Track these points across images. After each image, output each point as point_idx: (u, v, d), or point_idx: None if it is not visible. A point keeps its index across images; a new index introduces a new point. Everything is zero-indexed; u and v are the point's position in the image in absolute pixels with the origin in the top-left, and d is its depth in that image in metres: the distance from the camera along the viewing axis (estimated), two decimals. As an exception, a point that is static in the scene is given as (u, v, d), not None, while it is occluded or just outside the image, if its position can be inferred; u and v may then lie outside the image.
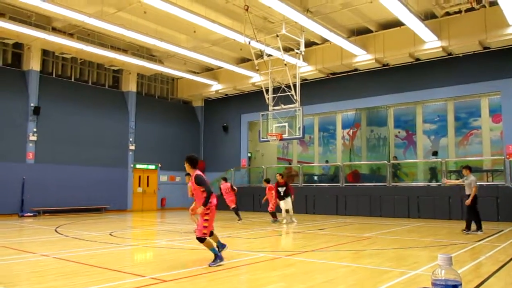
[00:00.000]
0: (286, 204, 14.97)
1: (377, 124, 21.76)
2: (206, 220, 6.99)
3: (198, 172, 7.22)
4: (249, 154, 25.82)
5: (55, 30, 18.76)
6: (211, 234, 7.25)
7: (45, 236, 11.51)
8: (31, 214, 18.32)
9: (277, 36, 16.22)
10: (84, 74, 22.74)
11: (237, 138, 25.90)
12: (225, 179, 16.45)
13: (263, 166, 23.88)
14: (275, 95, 17.80)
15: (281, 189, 14.98)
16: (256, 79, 22.34)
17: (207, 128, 27.82)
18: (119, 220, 16.57)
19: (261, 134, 18.51)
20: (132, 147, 23.61)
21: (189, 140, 26.98)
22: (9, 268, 7.00)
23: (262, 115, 18.40)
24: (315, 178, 23.21)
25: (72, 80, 22.09)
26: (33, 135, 19.41)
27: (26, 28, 16.90)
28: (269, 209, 15.62)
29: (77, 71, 22.43)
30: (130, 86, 24.09)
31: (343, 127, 23.09)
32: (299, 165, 22.90)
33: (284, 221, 15.11)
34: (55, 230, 12.76)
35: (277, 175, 15.58)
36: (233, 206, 15.80)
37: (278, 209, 15.34)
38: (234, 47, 20.43)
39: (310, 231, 12.91)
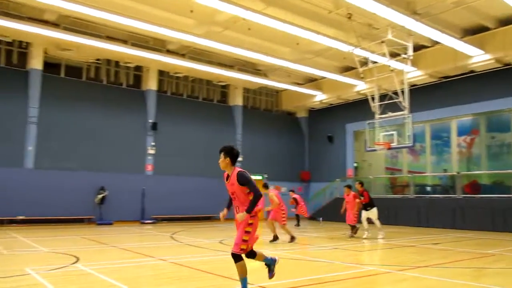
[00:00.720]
0: (369, 214, 13.75)
1: (499, 130, 19.75)
2: (248, 232, 5.39)
3: (240, 169, 5.54)
4: (355, 164, 25.16)
5: (169, 52, 20.37)
6: (251, 253, 5.61)
7: (162, 242, 12.41)
8: (151, 221, 19.92)
9: (383, 42, 15.68)
10: (195, 91, 24.31)
11: (342, 148, 25.43)
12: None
13: (370, 176, 23.09)
14: (382, 102, 17.17)
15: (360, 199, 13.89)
16: (361, 87, 21.79)
17: (311, 139, 27.79)
18: (228, 229, 17.20)
19: (368, 143, 17.94)
20: (239, 159, 24.45)
21: (293, 150, 27.20)
22: (132, 270, 7.67)
23: (369, 123, 17.85)
24: (428, 188, 21.76)
25: (185, 97, 23.76)
26: (151, 149, 21.21)
27: (146, 52, 18.67)
28: (351, 221, 14.07)
29: (189, 88, 24.06)
30: (237, 100, 25.12)
31: (459, 134, 21.33)
32: (409, 175, 21.69)
33: (365, 234, 13.64)
34: (171, 237, 13.69)
35: (356, 184, 14.38)
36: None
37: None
38: (338, 57, 20.20)
39: (423, 245, 12.10)
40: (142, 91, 22.06)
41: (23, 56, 19.02)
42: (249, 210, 5.30)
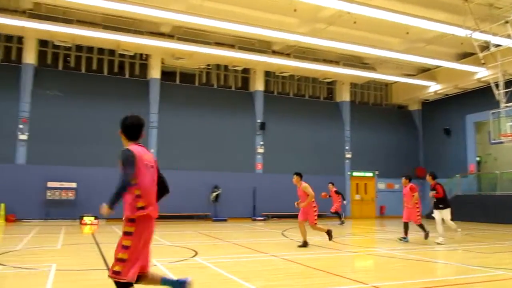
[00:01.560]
0: (443, 213, 11.35)
1: None
2: (125, 247, 4.04)
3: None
4: (478, 159, 23.04)
5: (274, 52, 20.73)
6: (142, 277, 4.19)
7: (274, 239, 12.67)
8: (262, 218, 20.48)
9: (507, 22, 14.13)
10: (301, 89, 24.40)
11: (462, 141, 23.46)
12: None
13: (496, 172, 20.96)
14: (508, 89, 15.47)
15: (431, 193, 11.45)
16: (482, 74, 19.86)
17: (426, 132, 26.11)
18: (339, 227, 16.96)
19: (492, 135, 16.31)
20: (348, 155, 24.00)
21: (406, 146, 25.82)
22: (246, 265, 7.95)
23: (493, 113, 16.25)
24: None
25: (291, 95, 23.99)
26: (260, 148, 21.80)
27: (252, 54, 19.27)
28: (410, 218, 11.64)
29: (295, 87, 24.23)
30: (344, 95, 24.63)
31: None
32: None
33: (440, 239, 11.10)
34: (282, 234, 13.91)
35: (427, 176, 11.87)
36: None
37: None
38: (453, 43, 18.68)
39: None
40: (250, 93, 22.79)
41: (144, 67, 20.93)
42: (110, 203, 3.92)
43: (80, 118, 18.68)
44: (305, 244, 10.21)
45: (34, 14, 16.30)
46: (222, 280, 6.44)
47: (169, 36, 18.55)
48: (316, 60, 21.36)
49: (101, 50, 20.12)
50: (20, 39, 18.61)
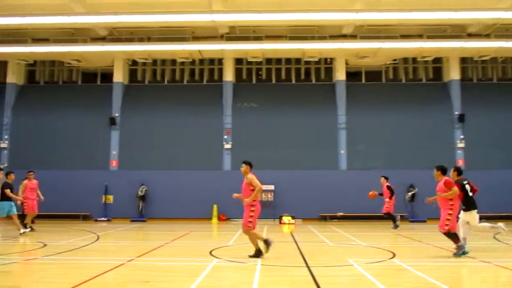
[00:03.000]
0: (467, 217, 9.16)
1: None
2: None
3: None
4: None
5: (470, 35, 18.58)
6: None
7: (484, 242, 11.22)
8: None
9: None
10: (508, 72, 21.24)
11: None
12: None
13: None
14: None
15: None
16: None
17: None
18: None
19: None
20: None
21: None
22: (450, 270, 7.27)
23: None
24: None
25: (495, 81, 21.11)
26: (460, 142, 19.75)
27: (445, 41, 17.80)
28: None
29: (499, 70, 21.24)
30: None
31: None
32: None
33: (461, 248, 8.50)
34: (494, 237, 12.27)
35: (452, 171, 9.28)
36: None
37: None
38: None
39: None
40: (443, 83, 20.95)
41: (329, 71, 21.36)
42: None
43: (275, 125, 20.17)
44: (258, 254, 8.29)
45: (231, 37, 18.32)
46: (426, 285, 6.04)
47: (352, 37, 18.47)
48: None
49: (288, 60, 21.37)
50: (220, 61, 21.19)
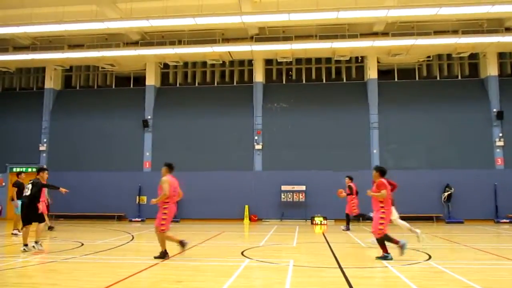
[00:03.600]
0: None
1: None
2: None
3: None
4: None
5: (509, 30, 17.89)
6: None
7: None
8: (507, 221, 17.80)
9: None
10: (549, 67, 20.36)
11: None
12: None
13: None
14: None
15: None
16: None
17: None
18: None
19: None
20: None
21: None
22: (489, 273, 7.02)
23: None
24: None
25: (536, 76, 20.29)
26: (499, 141, 19.04)
27: (481, 37, 17.23)
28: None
29: (540, 65, 20.39)
30: None
31: None
32: None
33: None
34: (536, 240, 11.79)
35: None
36: None
37: None
38: None
39: None
40: (480, 80, 20.27)
41: (360, 69, 21.08)
42: None
43: (305, 125, 20.05)
44: (163, 255, 8.27)
45: (260, 37, 18.35)
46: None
47: (384, 34, 18.13)
48: None
49: (318, 60, 21.22)
50: (250, 62, 21.27)
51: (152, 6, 15.67)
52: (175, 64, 20.70)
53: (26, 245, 9.28)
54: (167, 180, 8.40)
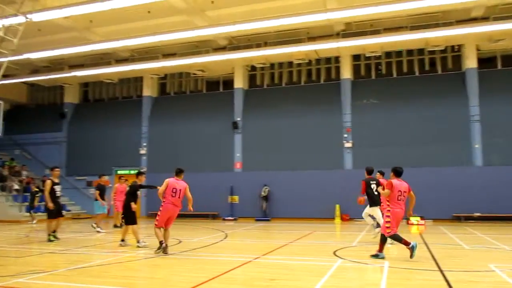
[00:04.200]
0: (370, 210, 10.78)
1: None
2: None
3: None
4: None
5: None
6: None
7: None
8: None
9: None
10: None
11: None
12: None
13: None
14: None
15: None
16: None
17: None
18: None
19: None
20: None
21: None
22: None
23: None
24: None
25: None
26: None
27: None
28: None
29: None
30: None
31: None
32: None
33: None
34: None
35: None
36: None
37: None
38: None
39: None
40: None
41: (457, 59, 19.64)
42: None
43: (397, 121, 19.19)
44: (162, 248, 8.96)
45: (347, 33, 17.93)
46: None
47: (483, 19, 16.71)
48: None
49: (409, 52, 20.17)
50: (337, 59, 20.90)
51: (238, 11, 16.08)
52: (262, 66, 21.05)
53: (123, 240, 10.30)
54: (166, 182, 9.31)
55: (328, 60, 21.38)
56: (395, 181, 8.26)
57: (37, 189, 18.79)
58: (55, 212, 11.47)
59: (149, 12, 16.08)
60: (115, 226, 15.83)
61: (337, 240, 9.55)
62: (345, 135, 19.78)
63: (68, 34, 18.03)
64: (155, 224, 9.14)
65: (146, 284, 6.41)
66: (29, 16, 14.07)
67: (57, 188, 11.58)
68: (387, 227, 8.14)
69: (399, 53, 20.38)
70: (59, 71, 22.30)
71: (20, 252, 9.77)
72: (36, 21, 14.67)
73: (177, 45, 19.78)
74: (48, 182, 11.47)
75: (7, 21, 14.48)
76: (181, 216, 20.16)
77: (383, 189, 8.43)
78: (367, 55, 19.57)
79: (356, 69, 20.93)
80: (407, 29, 17.10)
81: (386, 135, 19.15)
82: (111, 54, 20.92)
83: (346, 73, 20.39)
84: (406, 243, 7.93)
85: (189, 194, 9.31)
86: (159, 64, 20.43)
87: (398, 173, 8.48)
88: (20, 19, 14.18)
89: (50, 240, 11.28)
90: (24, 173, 23.28)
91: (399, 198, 8.15)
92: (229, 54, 19.09)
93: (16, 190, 21.05)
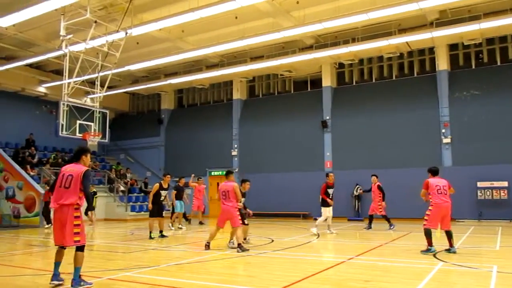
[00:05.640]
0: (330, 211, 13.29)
1: None
2: None
3: None
4: None
5: None
6: None
7: None
8: None
9: None
10: None
11: None
12: None
13: None
14: None
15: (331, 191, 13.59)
16: None
17: None
18: None
19: None
20: None
21: None
22: None
23: None
24: None
25: None
26: None
27: None
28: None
29: None
30: None
31: None
32: None
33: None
34: None
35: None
36: None
37: None
38: None
39: None
40: None
41: None
42: None
43: (503, 113, 17.54)
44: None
45: (441, 22, 16.82)
46: None
47: None
48: None
49: (515, 36, 18.37)
50: (431, 50, 19.70)
51: (324, 8, 15.86)
52: (350, 62, 20.54)
53: (245, 238, 10.32)
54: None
55: (421, 51, 20.22)
56: (431, 180, 8.91)
57: (95, 191, 18.31)
58: (155, 212, 12.45)
59: (236, 17, 16.54)
60: (200, 223, 17.44)
61: (438, 242, 8.94)
62: (443, 130, 18.56)
63: (163, 45, 19.22)
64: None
65: (243, 281, 6.57)
66: (128, 31, 15.29)
67: (163, 193, 12.61)
68: (426, 219, 8.75)
69: (503, 39, 18.62)
70: (156, 80, 23.93)
71: (127, 248, 10.62)
72: (135, 35, 15.91)
73: (264, 48, 20.08)
74: (155, 186, 12.57)
75: (111, 37, 15.90)
76: (271, 215, 20.58)
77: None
78: (465, 44, 18.17)
79: (453, 59, 19.53)
80: (511, 12, 15.57)
81: (491, 128, 17.60)
82: (202, 60, 21.90)
83: (442, 64, 19.12)
84: (428, 243, 8.53)
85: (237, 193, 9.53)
86: (247, 67, 20.92)
87: (434, 172, 9.23)
88: (121, 34, 15.48)
89: (151, 238, 12.13)
90: (128, 175, 25.26)
91: (439, 192, 8.71)
92: (316, 53, 18.92)
93: (122, 191, 22.89)
